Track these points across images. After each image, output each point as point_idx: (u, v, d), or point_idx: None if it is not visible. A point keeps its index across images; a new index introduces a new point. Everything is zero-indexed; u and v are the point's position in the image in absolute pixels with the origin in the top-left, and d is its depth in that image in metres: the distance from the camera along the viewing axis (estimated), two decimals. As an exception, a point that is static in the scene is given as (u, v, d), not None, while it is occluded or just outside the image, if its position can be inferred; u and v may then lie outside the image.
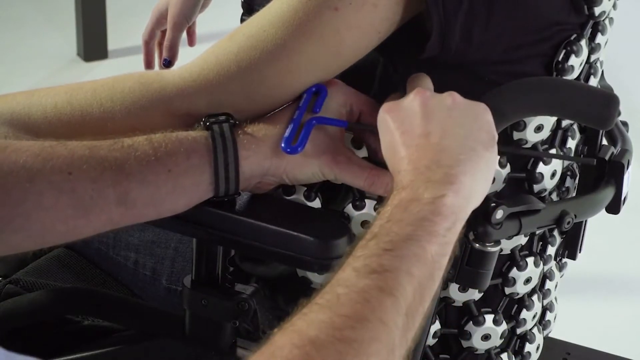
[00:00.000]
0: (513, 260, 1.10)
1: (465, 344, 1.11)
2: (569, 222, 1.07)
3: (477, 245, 1.00)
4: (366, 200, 1.05)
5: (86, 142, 0.93)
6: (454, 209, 0.87)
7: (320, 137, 0.99)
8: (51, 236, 0.92)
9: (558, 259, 1.19)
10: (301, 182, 1.02)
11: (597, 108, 0.99)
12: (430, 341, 1.10)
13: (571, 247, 1.18)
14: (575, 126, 1.12)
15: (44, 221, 0.90)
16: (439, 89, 1.02)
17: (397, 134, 0.93)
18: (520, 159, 1.07)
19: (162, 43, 1.53)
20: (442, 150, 0.90)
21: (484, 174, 0.93)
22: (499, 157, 1.03)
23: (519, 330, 1.15)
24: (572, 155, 1.12)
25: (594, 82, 1.11)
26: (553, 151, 1.08)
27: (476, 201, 0.92)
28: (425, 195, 0.87)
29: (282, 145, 0.97)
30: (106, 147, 0.93)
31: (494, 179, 1.03)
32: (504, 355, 1.14)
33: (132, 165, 0.93)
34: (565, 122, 1.09)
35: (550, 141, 1.08)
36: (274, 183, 1.00)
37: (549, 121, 1.06)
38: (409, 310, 0.81)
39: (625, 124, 1.22)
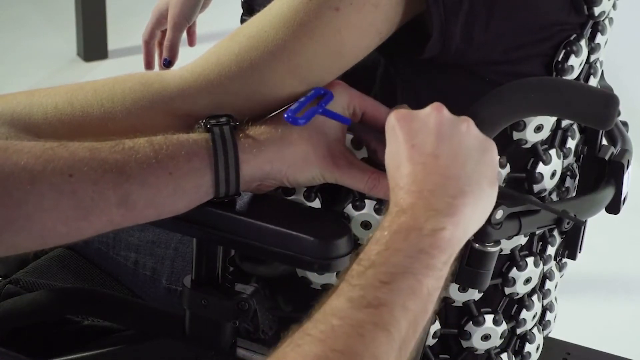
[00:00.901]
0: (513, 260, 1.10)
1: (465, 344, 1.11)
2: (568, 222, 1.07)
3: (477, 245, 1.00)
4: (366, 201, 1.05)
5: (87, 143, 0.93)
6: (452, 243, 0.87)
7: (321, 140, 0.99)
8: (52, 237, 0.93)
9: (558, 259, 1.19)
10: (302, 185, 1.02)
11: (597, 108, 0.99)
12: (430, 341, 1.10)
13: (571, 247, 1.18)
14: (575, 126, 1.12)
15: (45, 223, 0.91)
16: (439, 89, 1.02)
17: (405, 146, 0.92)
18: (520, 159, 1.07)
19: (162, 43, 1.53)
20: (449, 177, 0.89)
21: (484, 209, 0.92)
22: (498, 157, 1.03)
23: (519, 330, 1.15)
24: (572, 155, 1.12)
25: (593, 82, 1.11)
26: (553, 151, 1.08)
27: (470, 234, 0.91)
28: (426, 225, 0.86)
29: (285, 115, 0.96)
30: (107, 149, 0.93)
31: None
32: (504, 355, 1.14)
33: (133, 168, 0.93)
34: (565, 122, 1.09)
35: (550, 141, 1.08)
36: (275, 185, 1.00)
37: (548, 121, 1.06)
38: (403, 344, 0.80)
39: (625, 124, 1.22)
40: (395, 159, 0.92)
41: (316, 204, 1.06)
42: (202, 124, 0.98)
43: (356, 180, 1.00)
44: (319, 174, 0.99)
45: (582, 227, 1.17)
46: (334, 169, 0.99)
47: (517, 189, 1.07)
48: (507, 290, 1.11)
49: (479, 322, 1.10)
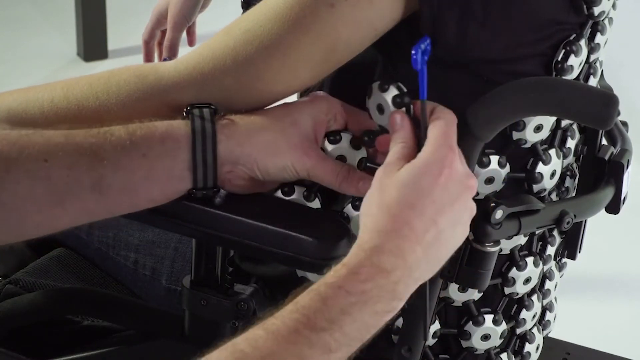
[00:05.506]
0: (512, 260, 1.10)
1: (464, 344, 1.11)
2: (568, 222, 1.07)
3: (477, 245, 1.00)
4: (366, 200, 1.05)
5: (63, 130, 0.94)
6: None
7: (293, 130, 0.99)
8: (29, 226, 0.93)
9: (558, 259, 1.19)
10: (274, 178, 1.01)
11: (596, 108, 0.99)
12: (430, 341, 1.10)
13: (571, 247, 1.18)
14: (574, 126, 1.12)
15: (20, 210, 0.91)
16: (438, 88, 1.02)
17: (398, 207, 0.90)
18: (519, 159, 1.07)
19: (162, 43, 1.53)
20: (424, 256, 0.90)
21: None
22: (498, 156, 1.03)
23: (518, 330, 1.15)
24: (572, 155, 1.12)
25: (593, 82, 1.11)
26: (552, 151, 1.08)
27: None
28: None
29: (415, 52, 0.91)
30: (82, 133, 0.94)
31: (494, 179, 1.04)
32: (504, 355, 1.14)
33: (107, 151, 0.93)
34: (564, 122, 1.09)
35: (549, 141, 1.08)
36: (245, 174, 0.99)
37: (548, 121, 1.05)
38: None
39: (625, 124, 1.22)
40: (372, 215, 0.91)
41: (316, 204, 1.06)
42: (185, 110, 0.98)
43: (327, 172, 0.99)
44: (290, 164, 0.99)
45: (582, 227, 1.17)
46: (305, 160, 0.99)
47: (517, 189, 1.07)
48: (507, 290, 1.11)
49: (478, 322, 1.10)
